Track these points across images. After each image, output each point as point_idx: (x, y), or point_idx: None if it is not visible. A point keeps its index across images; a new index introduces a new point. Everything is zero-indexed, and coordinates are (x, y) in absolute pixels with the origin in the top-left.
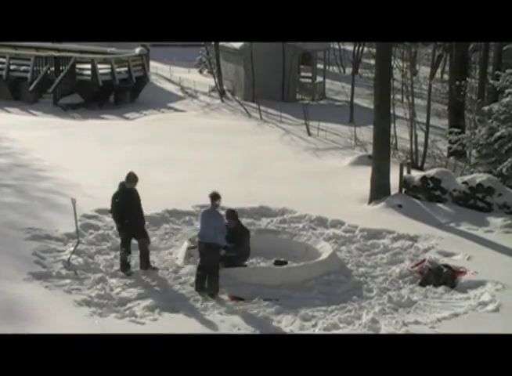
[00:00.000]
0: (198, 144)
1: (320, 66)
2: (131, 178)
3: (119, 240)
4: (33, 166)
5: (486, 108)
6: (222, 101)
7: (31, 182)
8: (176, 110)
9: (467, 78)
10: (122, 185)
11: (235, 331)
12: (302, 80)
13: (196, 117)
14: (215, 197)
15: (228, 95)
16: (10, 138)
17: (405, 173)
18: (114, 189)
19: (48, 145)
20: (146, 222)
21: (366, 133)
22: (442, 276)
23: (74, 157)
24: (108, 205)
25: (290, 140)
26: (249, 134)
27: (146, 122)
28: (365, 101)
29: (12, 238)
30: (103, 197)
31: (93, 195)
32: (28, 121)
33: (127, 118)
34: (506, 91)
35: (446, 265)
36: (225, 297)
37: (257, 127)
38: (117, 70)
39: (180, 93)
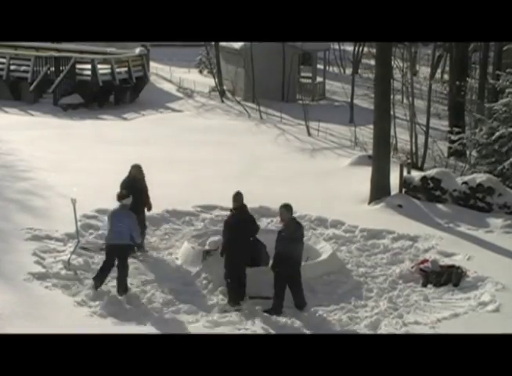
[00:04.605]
0: (196, 144)
1: (320, 66)
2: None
3: None
4: (16, 167)
5: (487, 106)
6: (222, 101)
7: (9, 183)
8: (174, 110)
9: (467, 78)
10: None
11: (235, 331)
12: (302, 80)
13: (194, 117)
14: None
15: (229, 95)
16: (1, 139)
17: (405, 173)
18: (112, 189)
19: (44, 145)
20: (146, 223)
21: (366, 133)
22: (446, 276)
23: (69, 157)
24: (106, 205)
25: (290, 140)
26: (248, 134)
27: (144, 122)
28: (365, 101)
29: (11, 238)
30: (103, 197)
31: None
32: (25, 122)
33: (125, 118)
34: (507, 91)
35: (453, 265)
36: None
37: (256, 127)
38: (117, 70)
39: (179, 93)
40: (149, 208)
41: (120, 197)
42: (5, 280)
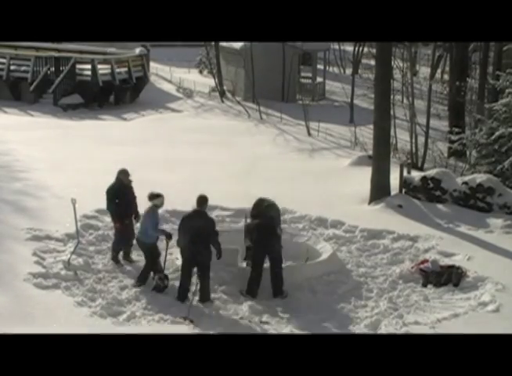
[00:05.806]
0: (196, 144)
1: (320, 66)
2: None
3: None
4: (14, 167)
5: (487, 106)
6: (222, 101)
7: (7, 184)
8: (173, 110)
9: (467, 78)
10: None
11: (235, 331)
12: (302, 80)
13: (193, 117)
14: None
15: (229, 95)
16: (0, 139)
17: (405, 173)
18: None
19: (43, 146)
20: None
21: (366, 133)
22: (446, 276)
23: (68, 157)
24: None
25: (290, 140)
26: (247, 134)
27: (144, 122)
28: (364, 101)
29: (11, 238)
30: (103, 197)
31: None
32: (25, 122)
33: (125, 119)
34: (507, 91)
35: (453, 265)
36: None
37: (255, 127)
38: (117, 70)
39: (178, 94)
40: (137, 217)
41: (150, 198)
42: (4, 280)
